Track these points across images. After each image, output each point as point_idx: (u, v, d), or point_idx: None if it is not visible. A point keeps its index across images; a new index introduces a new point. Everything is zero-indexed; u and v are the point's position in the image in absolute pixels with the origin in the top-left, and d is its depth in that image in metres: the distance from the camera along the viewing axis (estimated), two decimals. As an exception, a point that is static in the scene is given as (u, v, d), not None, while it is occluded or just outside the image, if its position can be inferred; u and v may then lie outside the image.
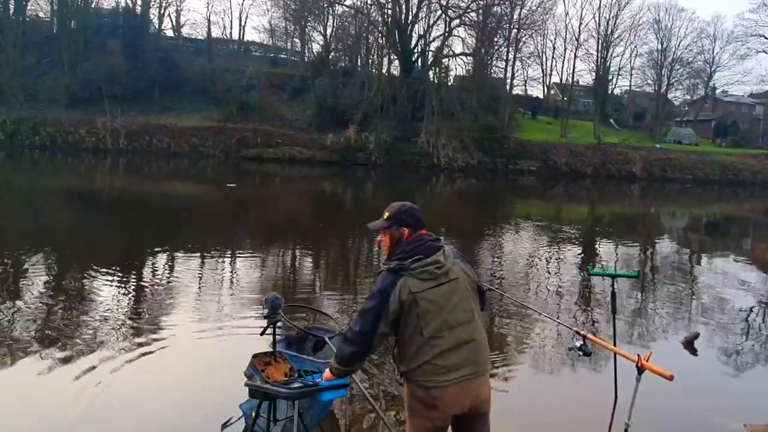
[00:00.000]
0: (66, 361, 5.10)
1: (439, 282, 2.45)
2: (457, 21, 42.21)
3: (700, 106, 58.97)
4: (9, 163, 29.52)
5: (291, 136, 38.57)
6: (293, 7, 45.50)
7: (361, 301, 7.70)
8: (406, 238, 2.57)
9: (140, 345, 5.61)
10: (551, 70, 57.16)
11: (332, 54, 46.16)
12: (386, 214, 2.64)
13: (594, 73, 49.67)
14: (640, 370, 2.86)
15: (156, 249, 10.54)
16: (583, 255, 12.93)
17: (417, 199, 25.16)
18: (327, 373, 2.73)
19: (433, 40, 43.59)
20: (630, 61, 54.21)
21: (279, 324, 3.73)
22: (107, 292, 7.36)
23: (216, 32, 50.86)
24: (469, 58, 44.11)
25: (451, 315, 2.45)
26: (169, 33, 50.15)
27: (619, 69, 54.33)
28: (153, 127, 37.85)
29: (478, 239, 13.87)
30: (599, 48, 48.07)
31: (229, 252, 10.72)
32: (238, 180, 27.21)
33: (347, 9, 43.79)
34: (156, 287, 8.04)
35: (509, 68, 46.21)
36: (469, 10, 42.16)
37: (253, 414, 3.26)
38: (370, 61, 44.85)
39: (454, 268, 2.52)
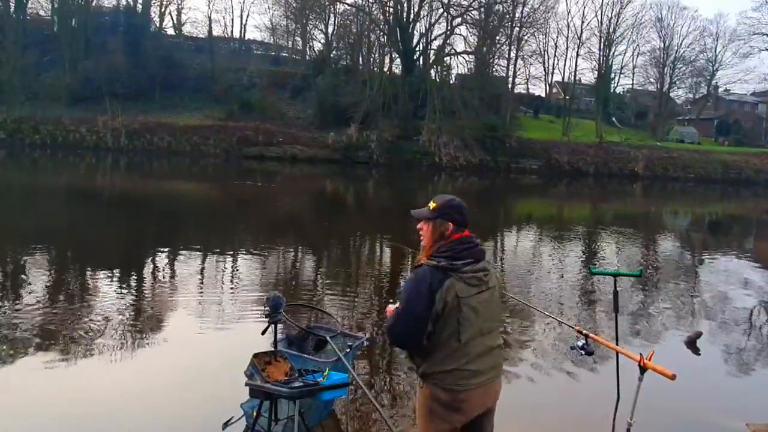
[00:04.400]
0: (66, 359, 5.10)
1: (481, 289, 2.41)
2: (458, 19, 42.15)
3: (703, 104, 58.85)
4: (10, 162, 29.54)
5: (292, 135, 38.55)
6: (294, 5, 45.48)
7: (362, 300, 7.68)
8: (450, 234, 2.46)
9: (141, 344, 5.61)
10: (553, 69, 56.92)
11: (334, 52, 46.10)
12: (432, 205, 2.50)
13: (596, 72, 49.60)
14: (643, 369, 2.84)
15: (157, 248, 10.54)
16: (585, 254, 12.91)
17: (418, 198, 25.22)
18: (390, 308, 2.58)
19: (435, 39, 43.59)
20: (632, 60, 54.24)
21: (280, 323, 3.72)
22: (108, 291, 7.36)
23: (217, 30, 50.80)
24: (470, 56, 44.01)
25: (486, 323, 2.44)
26: (170, 31, 50.04)
27: (622, 67, 54.36)
28: (154, 126, 37.82)
29: (479, 238, 13.83)
30: (601, 46, 48.02)
31: (230, 250, 10.71)
32: (239, 178, 27.22)
33: (349, 7, 43.77)
34: (156, 286, 8.05)
35: (511, 66, 46.17)
36: (471, 9, 42.11)
37: (255, 413, 3.25)
38: (371, 59, 44.77)
39: (492, 275, 2.50)
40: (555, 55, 53.71)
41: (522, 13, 44.47)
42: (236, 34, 53.35)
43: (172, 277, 8.56)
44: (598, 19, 48.76)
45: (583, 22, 53.22)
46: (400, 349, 2.55)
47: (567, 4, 54.77)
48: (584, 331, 3.40)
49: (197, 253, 10.21)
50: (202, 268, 9.10)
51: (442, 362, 2.38)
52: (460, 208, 2.51)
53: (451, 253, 2.39)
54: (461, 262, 2.37)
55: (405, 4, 41.54)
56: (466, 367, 2.39)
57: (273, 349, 3.42)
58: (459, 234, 2.47)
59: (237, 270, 9.28)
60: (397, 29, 41.41)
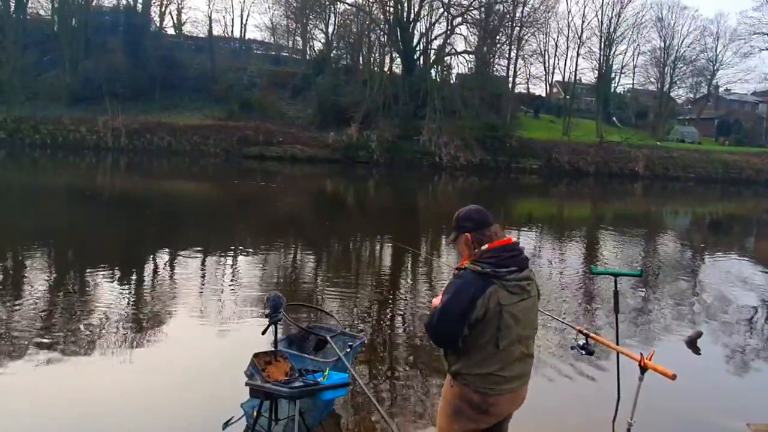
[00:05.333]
0: (66, 359, 5.10)
1: (522, 297, 2.44)
2: (459, 19, 42.13)
3: (703, 104, 58.79)
4: (10, 162, 29.55)
5: (292, 135, 38.53)
6: (295, 5, 45.44)
7: (363, 300, 7.68)
8: (472, 240, 2.51)
9: (141, 344, 5.61)
10: (554, 68, 56.91)
11: (334, 52, 46.06)
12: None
13: (596, 71, 49.54)
14: (643, 369, 2.84)
15: (157, 247, 10.54)
16: (585, 253, 12.91)
17: (419, 198, 25.23)
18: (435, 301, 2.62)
19: (435, 38, 43.56)
20: (633, 59, 54.21)
21: (280, 323, 3.72)
22: (108, 291, 7.36)
23: (217, 30, 50.73)
24: (471, 56, 43.99)
25: (524, 330, 2.47)
26: (171, 31, 50.00)
27: (622, 67, 54.33)
28: (154, 126, 37.80)
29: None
30: (602, 46, 47.94)
31: (231, 250, 10.71)
32: (239, 178, 27.22)
33: (349, 7, 43.76)
34: (157, 286, 8.05)
35: (511, 66, 46.11)
36: (471, 8, 42.09)
37: (255, 413, 3.24)
38: (371, 59, 44.70)
39: (533, 283, 2.53)
40: (555, 55, 53.76)
41: (522, 12, 44.48)
42: (236, 34, 53.33)
43: (172, 276, 8.56)
44: (598, 19, 48.77)
45: (583, 21, 53.07)
46: (436, 346, 2.60)
47: (567, 4, 54.89)
48: (585, 331, 3.40)
49: (197, 252, 10.20)
50: (203, 268, 9.10)
51: (478, 365, 2.41)
52: (468, 215, 2.58)
53: (495, 260, 2.41)
54: (505, 270, 2.39)
55: (405, 4, 41.53)
56: (500, 373, 2.42)
57: (273, 348, 3.42)
58: (501, 241, 2.49)
59: (237, 270, 9.28)
60: (398, 29, 41.39)
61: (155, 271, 8.99)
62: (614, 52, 49.71)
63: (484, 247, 2.47)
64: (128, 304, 6.91)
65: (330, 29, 45.46)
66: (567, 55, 51.90)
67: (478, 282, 2.35)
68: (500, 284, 2.36)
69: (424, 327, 2.58)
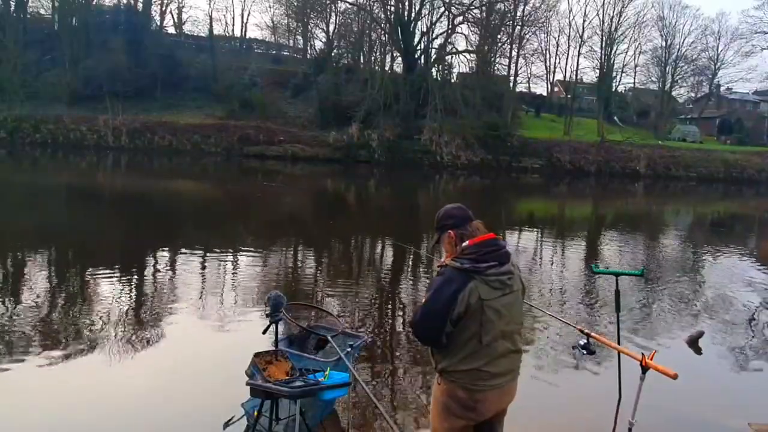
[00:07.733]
0: (66, 360, 5.10)
1: (504, 292, 2.45)
2: (460, 18, 42.15)
3: (705, 103, 58.74)
4: (10, 161, 29.56)
5: (293, 134, 38.54)
6: (296, 4, 45.43)
7: (364, 299, 7.68)
8: (455, 237, 2.53)
9: (140, 343, 5.61)
10: (555, 68, 56.82)
11: (335, 51, 46.09)
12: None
13: (598, 71, 49.52)
14: (644, 368, 2.84)
15: (157, 247, 10.54)
16: (586, 253, 12.89)
17: (420, 197, 25.21)
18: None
19: (436, 38, 43.59)
20: (634, 59, 54.22)
21: (281, 322, 3.72)
22: (108, 291, 7.35)
23: (218, 29, 50.93)
24: (472, 55, 43.99)
25: (508, 325, 2.48)
26: (171, 30, 50.17)
27: (623, 66, 54.27)
28: (155, 125, 37.83)
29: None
30: (603, 45, 47.93)
31: (231, 250, 10.70)
32: (242, 177, 27.22)
33: (350, 6, 43.76)
34: (157, 285, 8.04)
35: (513, 65, 46.11)
36: (473, 7, 42.08)
37: (256, 413, 3.24)
38: (372, 58, 44.79)
39: (516, 278, 2.53)
40: (556, 54, 53.79)
41: (523, 11, 44.48)
42: (237, 33, 53.45)
43: (173, 276, 8.56)
44: (599, 18, 48.82)
45: (584, 20, 53.44)
46: (422, 345, 2.64)
47: (569, 3, 55.02)
48: (586, 331, 3.39)
49: (198, 252, 10.21)
50: (203, 267, 9.09)
51: (462, 362, 2.42)
52: (448, 213, 2.63)
53: (475, 255, 2.42)
54: (485, 265, 2.40)
55: (406, 3, 41.50)
56: (485, 369, 2.43)
57: (274, 348, 3.41)
58: (482, 237, 2.51)
59: (238, 269, 9.28)
60: (399, 28, 41.36)
61: (155, 271, 8.99)
62: (615, 51, 49.79)
63: (465, 243, 2.49)
64: (128, 303, 6.91)
65: (331, 28, 45.55)
66: (568, 54, 52.08)
67: (459, 278, 2.37)
68: (480, 279, 2.37)
69: (409, 324, 2.61)
